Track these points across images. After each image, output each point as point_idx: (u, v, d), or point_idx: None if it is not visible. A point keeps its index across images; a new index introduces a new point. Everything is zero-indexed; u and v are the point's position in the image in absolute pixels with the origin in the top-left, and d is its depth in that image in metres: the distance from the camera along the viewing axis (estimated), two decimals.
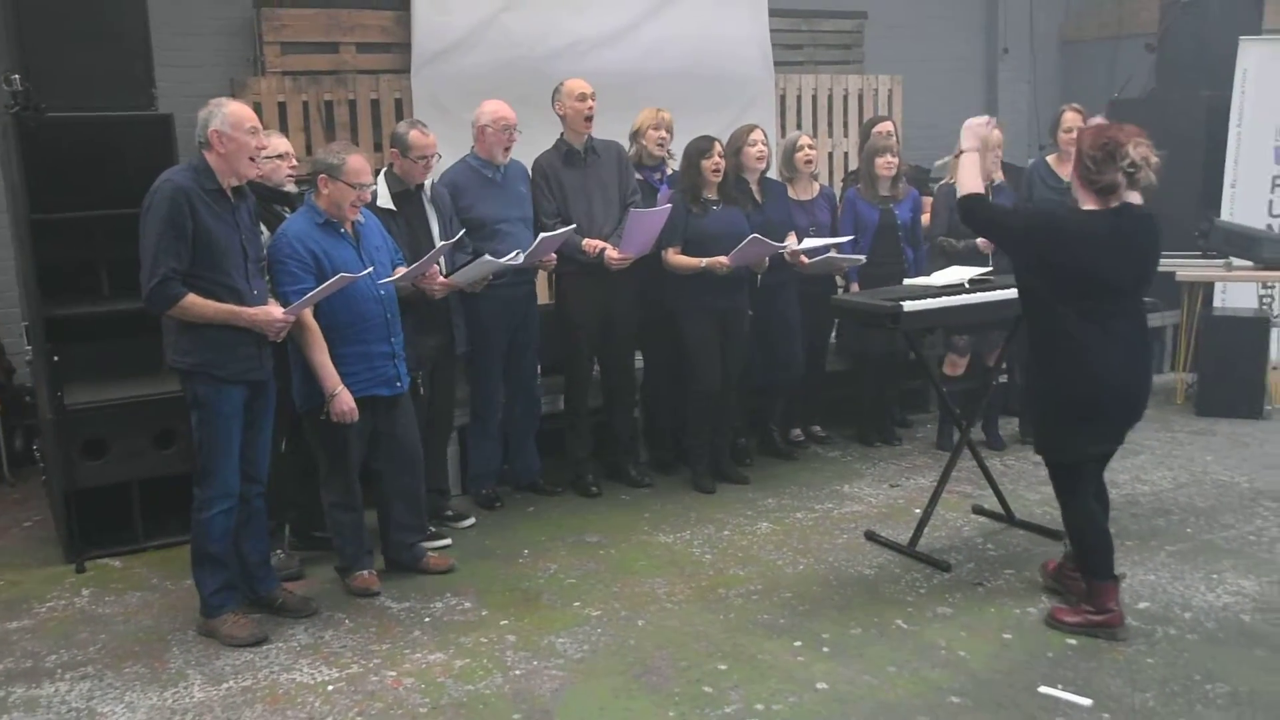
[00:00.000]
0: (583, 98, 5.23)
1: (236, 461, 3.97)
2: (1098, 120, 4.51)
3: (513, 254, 4.79)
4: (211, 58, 6.72)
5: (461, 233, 4.88)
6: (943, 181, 6.05)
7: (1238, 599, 4.13)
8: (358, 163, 4.16)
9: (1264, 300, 7.19)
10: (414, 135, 4.71)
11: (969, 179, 3.93)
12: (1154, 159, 3.65)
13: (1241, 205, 7.56)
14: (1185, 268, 6.71)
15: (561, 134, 5.32)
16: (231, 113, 3.82)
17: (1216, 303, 7.24)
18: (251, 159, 3.90)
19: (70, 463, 4.67)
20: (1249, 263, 6.55)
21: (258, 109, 5.43)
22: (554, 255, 5.10)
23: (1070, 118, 5.88)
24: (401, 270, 4.45)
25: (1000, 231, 4.03)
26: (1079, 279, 3.68)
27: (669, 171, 5.65)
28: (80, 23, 4.74)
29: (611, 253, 5.15)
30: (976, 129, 4.04)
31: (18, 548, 5.08)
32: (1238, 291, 7.26)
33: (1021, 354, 5.91)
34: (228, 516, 3.98)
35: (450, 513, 5.16)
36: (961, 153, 4.06)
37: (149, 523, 4.88)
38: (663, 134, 5.56)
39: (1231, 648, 3.76)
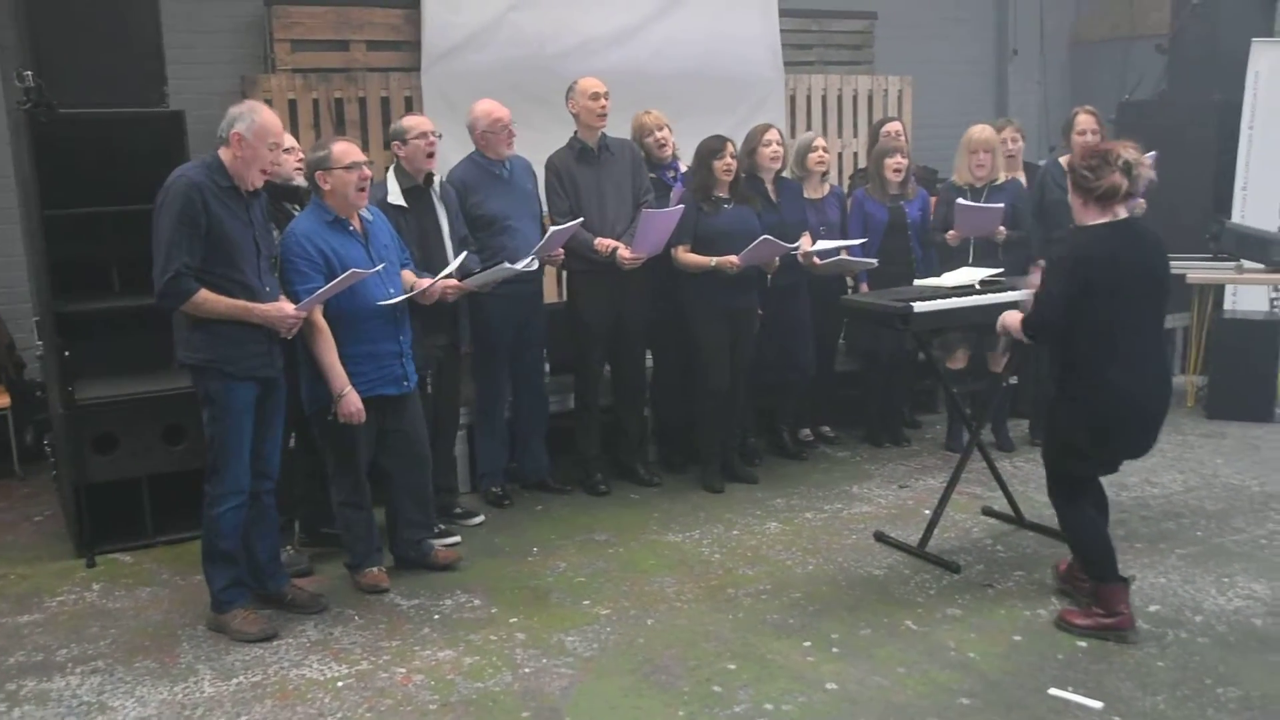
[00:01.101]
0: (596, 96, 5.22)
1: (247, 458, 3.97)
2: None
3: (527, 260, 4.81)
4: (222, 55, 6.74)
5: (464, 234, 4.89)
6: (948, 180, 6.06)
7: (1249, 603, 4.11)
8: (342, 146, 4.18)
9: (1275, 303, 7.15)
10: (405, 120, 4.83)
11: (1013, 320, 3.96)
12: (1145, 159, 3.74)
13: (1253, 208, 7.53)
14: (1196, 270, 6.69)
15: (575, 132, 5.32)
16: (260, 122, 3.84)
17: (1227, 305, 7.21)
18: (263, 170, 3.91)
19: (81, 457, 4.68)
20: (1260, 265, 6.53)
21: (268, 105, 5.43)
22: (561, 250, 5.10)
23: (1084, 119, 5.86)
24: (408, 273, 4.45)
25: (1060, 306, 3.77)
26: (1106, 299, 3.68)
27: (682, 169, 5.65)
28: (93, 19, 4.75)
29: (624, 252, 5.15)
30: (1010, 317, 4.02)
31: (28, 542, 5.10)
32: (1248, 294, 7.23)
33: (1031, 357, 5.95)
34: (238, 513, 3.99)
35: (459, 510, 5.17)
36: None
37: (158, 518, 4.89)
38: (658, 135, 5.55)
39: (1243, 652, 3.75)
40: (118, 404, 4.76)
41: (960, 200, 5.62)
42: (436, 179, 4.86)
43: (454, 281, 4.68)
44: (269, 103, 6.14)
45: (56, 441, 5.13)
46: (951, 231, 5.72)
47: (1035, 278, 4.10)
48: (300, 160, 4.56)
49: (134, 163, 4.76)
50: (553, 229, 4.93)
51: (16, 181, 5.23)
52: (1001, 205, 5.67)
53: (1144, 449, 3.91)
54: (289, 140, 4.55)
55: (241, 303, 3.85)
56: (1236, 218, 7.40)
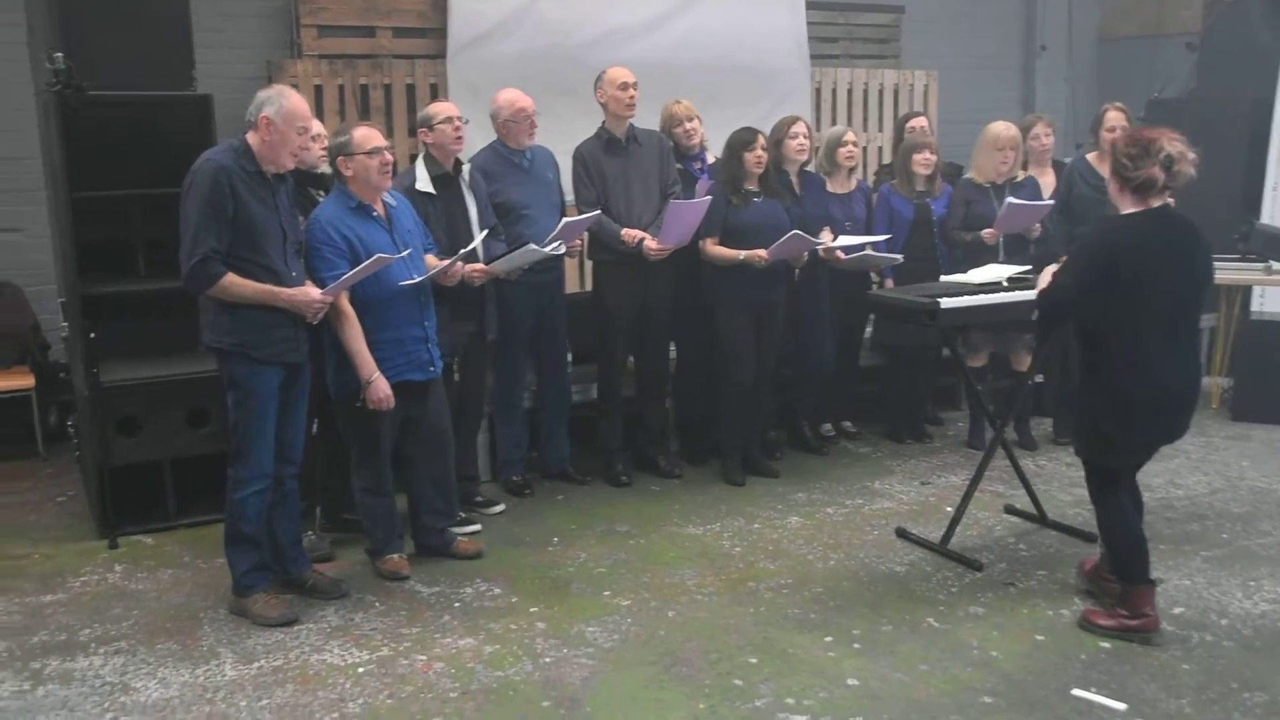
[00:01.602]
0: (624, 86, 5.21)
1: (272, 443, 3.98)
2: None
3: (555, 244, 4.80)
4: (249, 40, 6.76)
5: (494, 222, 4.89)
6: (964, 177, 6.02)
7: (1275, 607, 4.08)
8: (363, 131, 4.18)
9: None
10: (432, 106, 4.85)
11: (1041, 283, 3.96)
12: (1190, 154, 3.65)
13: None
14: (1224, 270, 6.60)
15: (603, 122, 5.30)
16: (289, 105, 3.84)
17: (1254, 306, 7.13)
18: (293, 154, 3.93)
19: (104, 439, 4.70)
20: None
21: (296, 92, 5.44)
22: (579, 240, 5.09)
23: (1113, 116, 5.82)
24: (431, 258, 4.45)
25: (1066, 297, 3.79)
26: (1133, 287, 3.64)
27: (709, 160, 5.63)
28: (121, 3, 4.76)
29: (650, 243, 5.13)
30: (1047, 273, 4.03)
31: (51, 522, 5.13)
32: (1277, 295, 7.16)
33: (1057, 356, 5.91)
34: (262, 497, 4.00)
35: (480, 499, 5.17)
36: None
37: (181, 501, 4.91)
38: (687, 126, 5.53)
39: (1269, 656, 3.71)
40: (142, 386, 4.79)
41: (1011, 199, 5.53)
42: (465, 167, 4.85)
43: (480, 265, 4.68)
44: (295, 88, 6.15)
45: (80, 423, 5.16)
46: (990, 230, 5.63)
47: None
48: (324, 148, 4.56)
49: (161, 146, 4.79)
50: (567, 219, 4.92)
51: (44, 164, 5.25)
52: (1052, 201, 5.63)
53: (1178, 432, 3.85)
54: (317, 127, 4.55)
55: (268, 287, 3.85)
56: (1266, 218, 7.32)
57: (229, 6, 6.69)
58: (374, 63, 6.81)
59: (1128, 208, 3.73)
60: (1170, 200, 3.74)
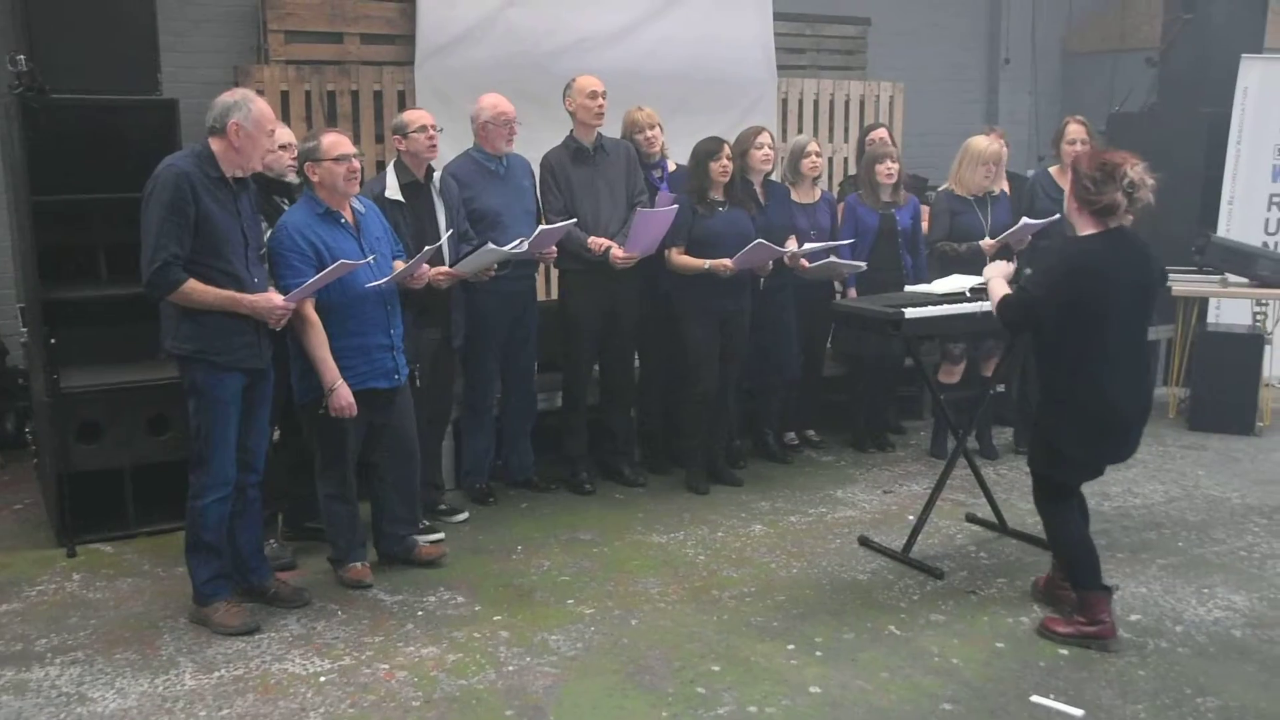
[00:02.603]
0: (594, 95, 5.22)
1: (233, 450, 3.96)
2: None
3: (516, 241, 4.79)
4: (215, 44, 6.71)
5: (465, 228, 4.89)
6: (942, 188, 6.07)
7: (1229, 614, 4.15)
8: (331, 138, 4.19)
9: (1257, 317, 7.22)
10: (407, 113, 4.81)
11: (998, 290, 3.99)
12: (1150, 180, 3.71)
13: (1238, 222, 7.61)
14: (1181, 283, 6.74)
15: (571, 131, 5.31)
16: (258, 111, 3.86)
17: (1211, 318, 7.27)
18: (262, 157, 3.95)
19: (64, 446, 4.65)
20: (1244, 280, 6.59)
21: (260, 97, 5.41)
22: (554, 248, 5.10)
23: (1074, 129, 5.90)
24: (400, 264, 4.44)
25: (1036, 312, 3.84)
26: (1093, 309, 3.70)
27: (670, 169, 5.65)
28: (87, 5, 4.72)
29: (617, 252, 5.14)
30: (997, 268, 4.15)
31: (8, 530, 5.06)
32: (1232, 308, 7.30)
33: (1019, 365, 5.97)
34: (223, 505, 3.97)
35: (444, 507, 5.15)
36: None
37: (140, 508, 4.86)
38: (649, 134, 5.54)
39: (1222, 662, 3.78)
40: (103, 393, 4.73)
41: (1027, 220, 5.58)
42: (435, 173, 4.85)
43: (444, 268, 4.67)
44: (260, 94, 6.11)
45: (39, 429, 5.09)
46: (990, 241, 5.65)
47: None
48: (294, 158, 4.54)
49: (125, 150, 4.74)
50: (543, 227, 4.93)
51: (5, 166, 5.19)
52: (1059, 216, 5.67)
53: (1126, 453, 3.94)
54: (286, 135, 4.54)
55: (229, 293, 3.83)
56: (1222, 232, 7.47)
57: (195, 10, 6.64)
58: (341, 69, 6.77)
59: (1086, 228, 3.79)
60: (1128, 218, 3.80)
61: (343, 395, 4.11)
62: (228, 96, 3.88)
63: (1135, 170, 3.68)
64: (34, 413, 5.26)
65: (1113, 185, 3.67)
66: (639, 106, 5.63)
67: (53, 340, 4.60)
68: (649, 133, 5.55)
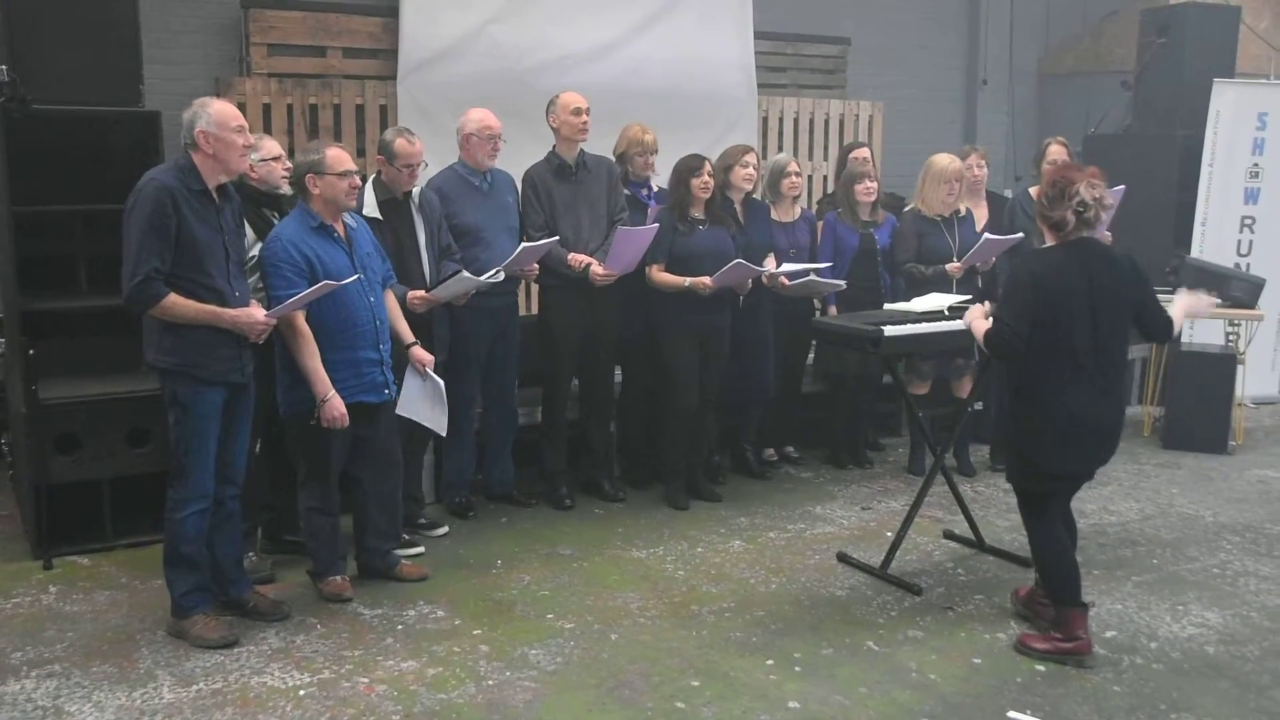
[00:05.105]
0: (578, 112, 5.24)
1: (212, 463, 3.95)
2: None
3: (491, 272, 4.82)
4: (197, 56, 6.71)
5: (448, 242, 4.90)
6: (908, 208, 6.12)
7: (1202, 631, 4.19)
8: (336, 152, 4.20)
9: (1230, 337, 7.31)
10: (400, 143, 4.71)
11: (980, 329, 3.99)
12: (1107, 200, 3.79)
13: (1211, 243, 7.72)
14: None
15: (554, 147, 5.33)
16: (217, 112, 3.83)
17: (1185, 339, 7.35)
18: (242, 154, 3.92)
19: (42, 458, 4.62)
20: (1217, 300, 6.66)
21: (242, 110, 5.41)
22: (535, 265, 5.12)
23: (1055, 150, 5.97)
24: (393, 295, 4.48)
25: (1019, 338, 3.79)
26: (1047, 318, 3.75)
27: (655, 188, 5.68)
28: (70, 15, 4.71)
29: (597, 268, 5.17)
30: (973, 313, 4.16)
31: None
32: (1205, 328, 7.38)
33: (996, 383, 6.03)
34: (202, 518, 3.96)
35: (424, 521, 5.15)
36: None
37: (119, 521, 4.83)
38: (651, 159, 5.55)
39: (1196, 679, 3.82)
40: (82, 404, 4.70)
41: (988, 235, 5.63)
42: (415, 189, 4.86)
43: (422, 293, 4.69)
44: (242, 107, 6.12)
45: (16, 441, 5.06)
46: (955, 264, 5.69)
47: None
48: (288, 169, 4.54)
49: (107, 162, 4.74)
50: (524, 245, 4.95)
51: None
52: (1022, 235, 5.73)
53: (1096, 463, 3.96)
54: (276, 149, 4.54)
55: (211, 307, 3.83)
56: (1195, 253, 7.57)
57: (178, 22, 6.63)
58: (324, 82, 6.79)
59: (1048, 240, 3.88)
60: (1107, 233, 3.85)
61: (335, 406, 4.11)
62: (187, 111, 3.86)
63: (1089, 190, 3.73)
64: (11, 424, 5.22)
65: (1063, 203, 3.75)
66: (643, 128, 5.57)
67: (31, 351, 4.58)
68: (650, 157, 5.55)
